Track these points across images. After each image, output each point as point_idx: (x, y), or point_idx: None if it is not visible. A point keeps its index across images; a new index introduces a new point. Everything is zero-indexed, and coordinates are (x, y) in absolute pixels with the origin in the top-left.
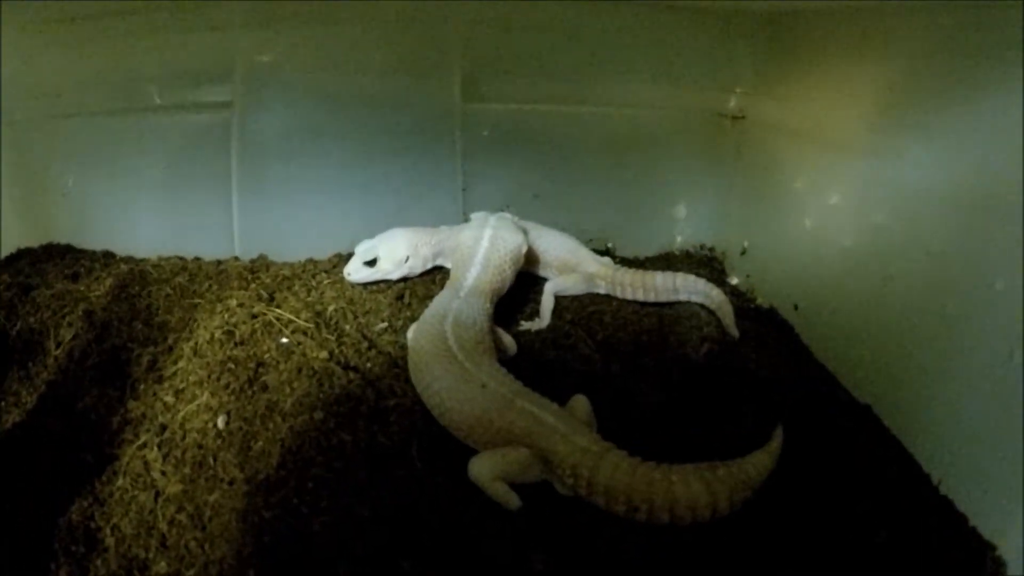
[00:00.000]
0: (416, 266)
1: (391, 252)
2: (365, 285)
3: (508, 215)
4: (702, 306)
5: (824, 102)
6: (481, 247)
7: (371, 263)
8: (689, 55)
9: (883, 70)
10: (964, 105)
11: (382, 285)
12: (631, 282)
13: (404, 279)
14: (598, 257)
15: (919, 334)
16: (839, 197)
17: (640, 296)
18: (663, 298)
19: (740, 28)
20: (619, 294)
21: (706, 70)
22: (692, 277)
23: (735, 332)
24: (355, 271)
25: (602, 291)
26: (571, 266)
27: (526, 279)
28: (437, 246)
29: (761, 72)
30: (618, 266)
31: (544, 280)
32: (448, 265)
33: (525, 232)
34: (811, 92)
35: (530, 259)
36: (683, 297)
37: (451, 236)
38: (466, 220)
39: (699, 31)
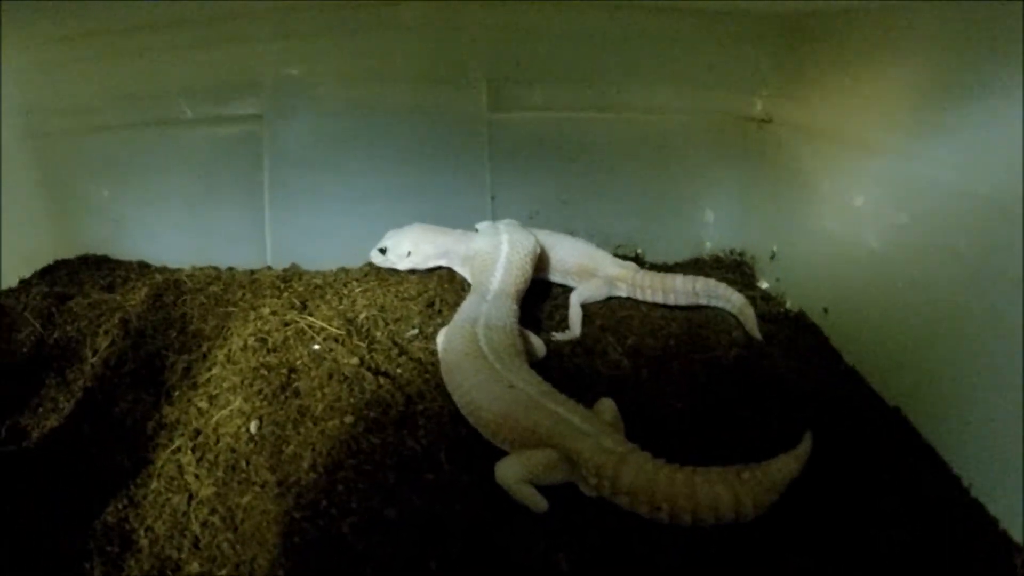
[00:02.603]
0: (418, 261)
1: (396, 245)
2: (396, 292)
3: (514, 221)
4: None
5: (849, 103)
6: (502, 251)
7: (384, 251)
8: (713, 59)
9: (907, 70)
10: (988, 104)
11: (412, 293)
12: (651, 284)
13: (413, 271)
14: (616, 260)
15: (947, 336)
16: (865, 199)
17: (660, 299)
18: (682, 301)
19: (764, 31)
20: (639, 296)
21: (731, 74)
22: (713, 281)
23: (758, 335)
24: (373, 255)
25: (623, 294)
26: (590, 271)
27: (545, 286)
28: (441, 246)
29: (786, 75)
30: (638, 268)
31: (561, 286)
32: (453, 266)
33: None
34: (836, 94)
35: (546, 264)
36: (703, 301)
37: (460, 239)
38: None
39: (723, 35)
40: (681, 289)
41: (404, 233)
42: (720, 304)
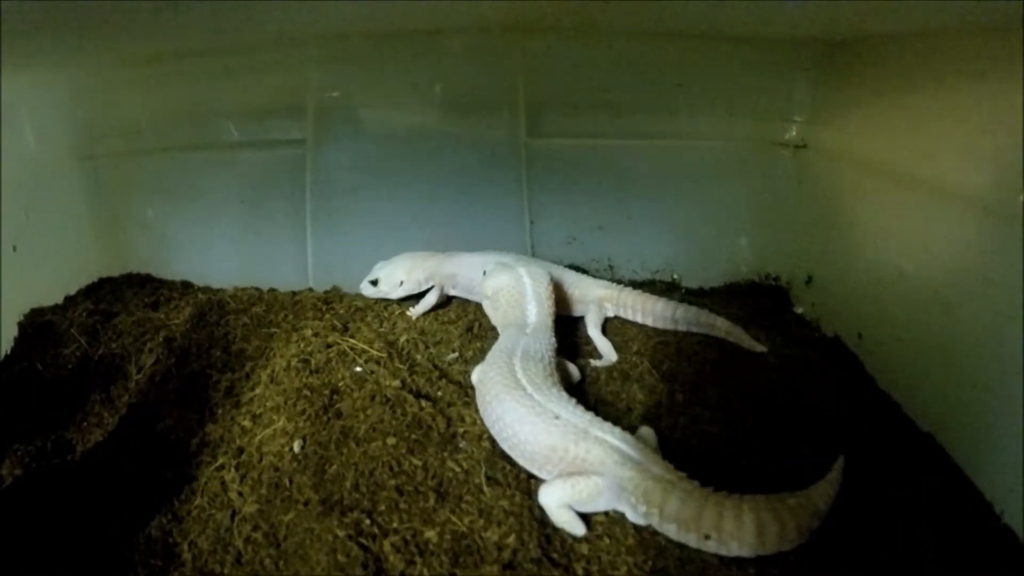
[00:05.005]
0: (411, 288)
1: (389, 276)
2: (425, 313)
3: (518, 255)
4: (768, 333)
5: (883, 130)
6: (526, 284)
7: (375, 283)
8: (749, 86)
9: (942, 98)
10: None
11: (452, 316)
12: (633, 304)
13: (404, 298)
14: (598, 280)
15: (981, 363)
16: (900, 225)
17: (640, 319)
18: (661, 325)
19: (799, 58)
20: (622, 315)
21: (766, 100)
22: (695, 309)
23: (759, 347)
24: (364, 288)
25: (610, 314)
26: (576, 298)
27: (572, 317)
28: (429, 269)
29: (820, 101)
30: (622, 288)
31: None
32: (445, 288)
33: None
34: (870, 120)
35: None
36: (682, 328)
37: (446, 261)
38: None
39: (758, 62)
40: (660, 314)
41: (395, 263)
42: (705, 331)
